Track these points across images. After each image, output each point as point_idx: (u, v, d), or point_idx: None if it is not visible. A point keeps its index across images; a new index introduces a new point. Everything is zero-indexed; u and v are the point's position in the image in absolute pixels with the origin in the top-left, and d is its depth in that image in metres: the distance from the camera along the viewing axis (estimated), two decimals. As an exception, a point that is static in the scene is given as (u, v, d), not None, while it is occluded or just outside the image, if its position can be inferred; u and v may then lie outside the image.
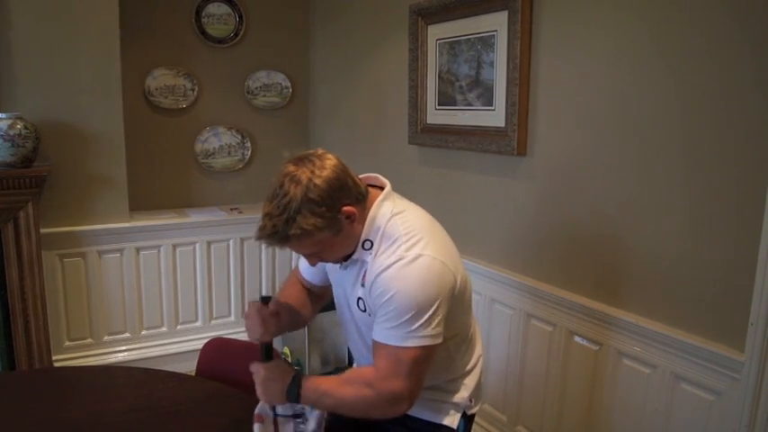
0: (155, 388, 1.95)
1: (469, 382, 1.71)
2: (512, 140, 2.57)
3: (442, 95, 2.99)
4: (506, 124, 2.60)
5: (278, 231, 1.38)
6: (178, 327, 3.82)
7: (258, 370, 1.55)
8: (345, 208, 1.43)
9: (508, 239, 2.73)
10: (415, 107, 3.16)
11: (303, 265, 1.81)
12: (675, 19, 1.96)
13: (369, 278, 1.49)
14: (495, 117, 2.67)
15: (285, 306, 1.72)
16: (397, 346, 1.42)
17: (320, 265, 1.74)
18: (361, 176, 1.57)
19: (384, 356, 1.44)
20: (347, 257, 1.56)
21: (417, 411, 1.65)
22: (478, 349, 1.78)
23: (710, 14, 1.86)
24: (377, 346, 1.46)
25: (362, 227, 1.50)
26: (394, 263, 1.44)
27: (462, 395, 1.68)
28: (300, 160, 1.43)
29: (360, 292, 1.55)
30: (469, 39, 2.77)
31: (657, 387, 2.10)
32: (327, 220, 1.40)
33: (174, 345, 3.78)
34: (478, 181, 2.86)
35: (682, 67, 1.95)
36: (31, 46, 3.17)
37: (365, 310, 1.55)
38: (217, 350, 2.18)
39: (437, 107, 3.04)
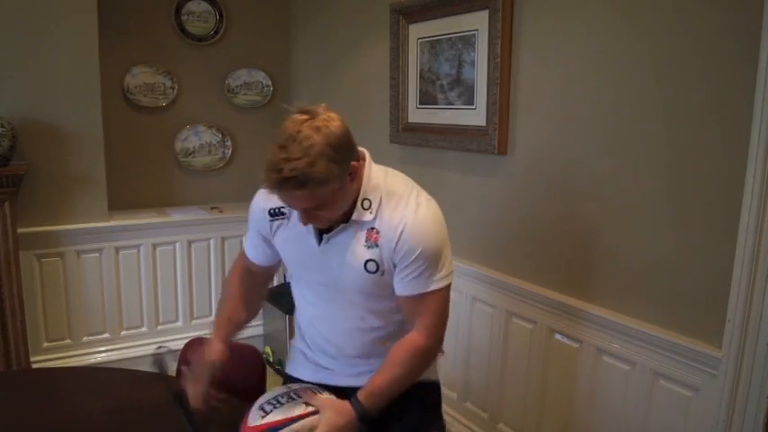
0: (135, 389, 1.93)
1: None
2: (492, 139, 2.58)
3: (424, 94, 3.00)
4: (487, 123, 2.61)
5: (296, 175, 1.36)
6: (158, 327, 3.80)
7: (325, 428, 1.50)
8: (353, 162, 1.47)
9: (489, 238, 2.74)
10: (397, 106, 3.16)
11: (251, 248, 1.79)
12: (658, 16, 1.97)
13: (386, 237, 1.52)
14: (475, 116, 2.68)
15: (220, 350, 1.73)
16: (439, 289, 1.55)
17: (266, 244, 1.73)
18: None
19: (428, 305, 1.56)
20: (335, 223, 1.56)
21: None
22: None
23: (694, 11, 1.87)
24: (418, 300, 1.55)
25: (359, 186, 1.53)
26: (412, 217, 1.51)
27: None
28: (309, 111, 1.43)
29: (369, 254, 1.55)
30: (450, 38, 2.78)
31: (637, 383, 2.12)
32: (340, 170, 1.42)
33: (154, 345, 3.73)
34: (459, 180, 2.87)
35: (664, 66, 1.96)
36: (8, 43, 3.13)
37: (376, 271, 1.55)
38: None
39: (418, 106, 3.04)
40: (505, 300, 2.63)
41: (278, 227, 1.66)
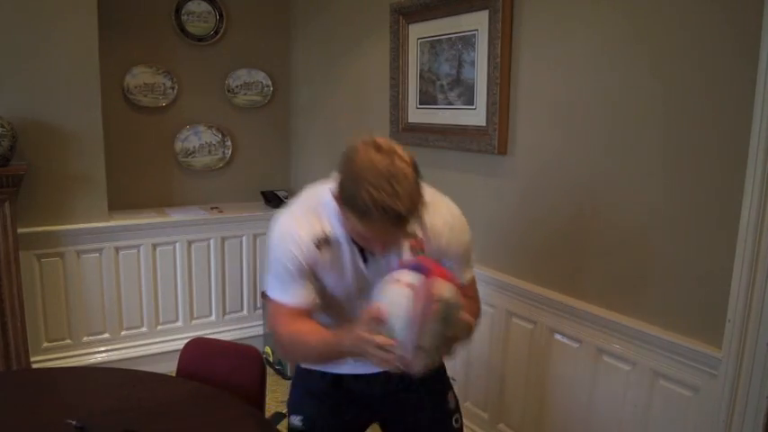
0: (135, 389, 1.93)
1: None
2: (492, 139, 2.58)
3: (423, 94, 3.00)
4: (487, 123, 2.61)
5: (412, 211, 1.40)
6: (158, 327, 3.79)
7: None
8: None
9: (489, 238, 2.74)
10: (397, 106, 3.16)
11: (299, 296, 1.61)
12: (658, 17, 1.98)
13: (433, 241, 1.61)
14: (475, 116, 2.68)
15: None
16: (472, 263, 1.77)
17: (310, 281, 1.61)
18: None
19: (473, 282, 1.79)
20: None
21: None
22: None
23: (694, 11, 1.87)
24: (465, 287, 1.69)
25: None
26: (451, 219, 1.64)
27: None
28: (382, 146, 1.46)
29: None
30: (450, 38, 2.78)
31: (637, 383, 2.12)
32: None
33: (154, 345, 3.75)
34: (459, 180, 2.87)
35: (664, 66, 1.97)
36: (8, 43, 3.13)
37: None
38: (198, 350, 2.16)
39: (418, 106, 3.04)
40: (506, 300, 2.63)
41: (322, 256, 1.58)
